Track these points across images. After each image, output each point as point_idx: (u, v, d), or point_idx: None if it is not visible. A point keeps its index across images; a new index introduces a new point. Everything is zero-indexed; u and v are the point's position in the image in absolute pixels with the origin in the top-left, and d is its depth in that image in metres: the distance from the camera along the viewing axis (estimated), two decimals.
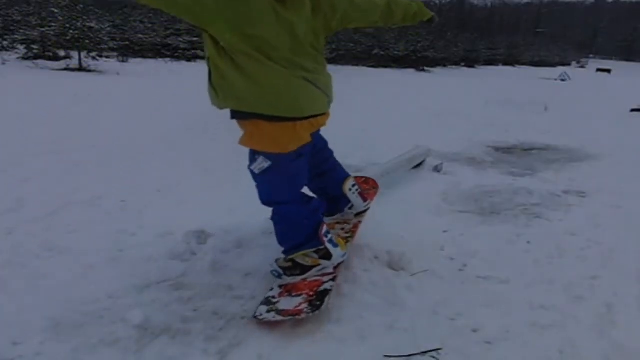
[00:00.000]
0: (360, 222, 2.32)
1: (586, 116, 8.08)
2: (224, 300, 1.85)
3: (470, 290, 2.02)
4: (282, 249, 2.01)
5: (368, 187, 2.67)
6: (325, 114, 1.93)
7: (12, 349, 1.51)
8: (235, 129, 1.89)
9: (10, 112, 5.29)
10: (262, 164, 1.83)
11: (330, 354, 1.58)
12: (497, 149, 5.03)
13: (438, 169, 3.83)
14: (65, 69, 10.91)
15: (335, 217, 2.39)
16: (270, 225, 2.30)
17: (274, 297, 1.88)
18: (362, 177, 2.80)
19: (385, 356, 1.57)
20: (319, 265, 1.95)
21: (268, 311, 1.78)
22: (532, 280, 2.12)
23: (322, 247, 1.93)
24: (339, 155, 2.36)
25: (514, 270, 2.20)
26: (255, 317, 1.75)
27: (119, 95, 7.60)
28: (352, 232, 2.26)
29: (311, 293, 1.83)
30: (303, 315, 1.72)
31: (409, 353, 1.58)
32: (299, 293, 1.86)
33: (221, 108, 1.81)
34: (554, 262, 2.32)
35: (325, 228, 1.96)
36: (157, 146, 4.16)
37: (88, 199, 2.78)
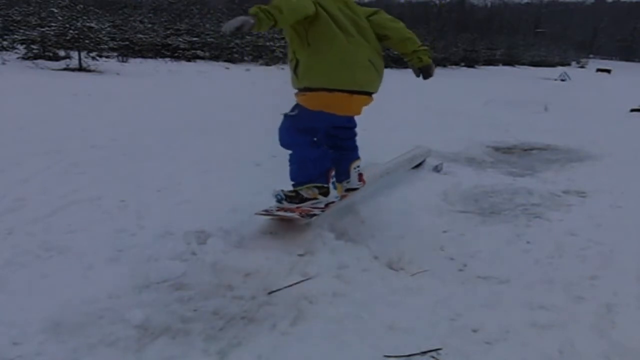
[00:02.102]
0: (347, 195, 2.74)
1: (586, 116, 8.07)
2: (224, 300, 1.85)
3: (470, 290, 2.02)
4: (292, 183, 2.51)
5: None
6: (372, 97, 2.43)
7: (12, 349, 1.51)
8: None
9: (10, 112, 5.29)
10: (292, 113, 2.37)
11: (330, 354, 1.58)
12: (497, 149, 5.03)
13: (438, 169, 3.84)
14: (65, 69, 10.89)
15: None
16: (270, 226, 2.33)
17: (271, 209, 2.45)
18: None
19: (385, 356, 1.57)
20: (316, 199, 2.45)
21: (266, 214, 2.39)
22: (532, 280, 2.12)
23: (326, 185, 2.45)
24: None
25: (514, 270, 2.20)
26: (255, 214, 2.37)
27: (118, 95, 7.60)
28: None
29: (302, 214, 2.35)
30: (296, 217, 2.31)
31: (409, 353, 1.58)
32: (293, 212, 2.38)
33: (299, 87, 2.34)
34: (554, 262, 2.32)
35: (333, 173, 2.49)
36: (157, 146, 4.15)
37: (88, 199, 2.78)
